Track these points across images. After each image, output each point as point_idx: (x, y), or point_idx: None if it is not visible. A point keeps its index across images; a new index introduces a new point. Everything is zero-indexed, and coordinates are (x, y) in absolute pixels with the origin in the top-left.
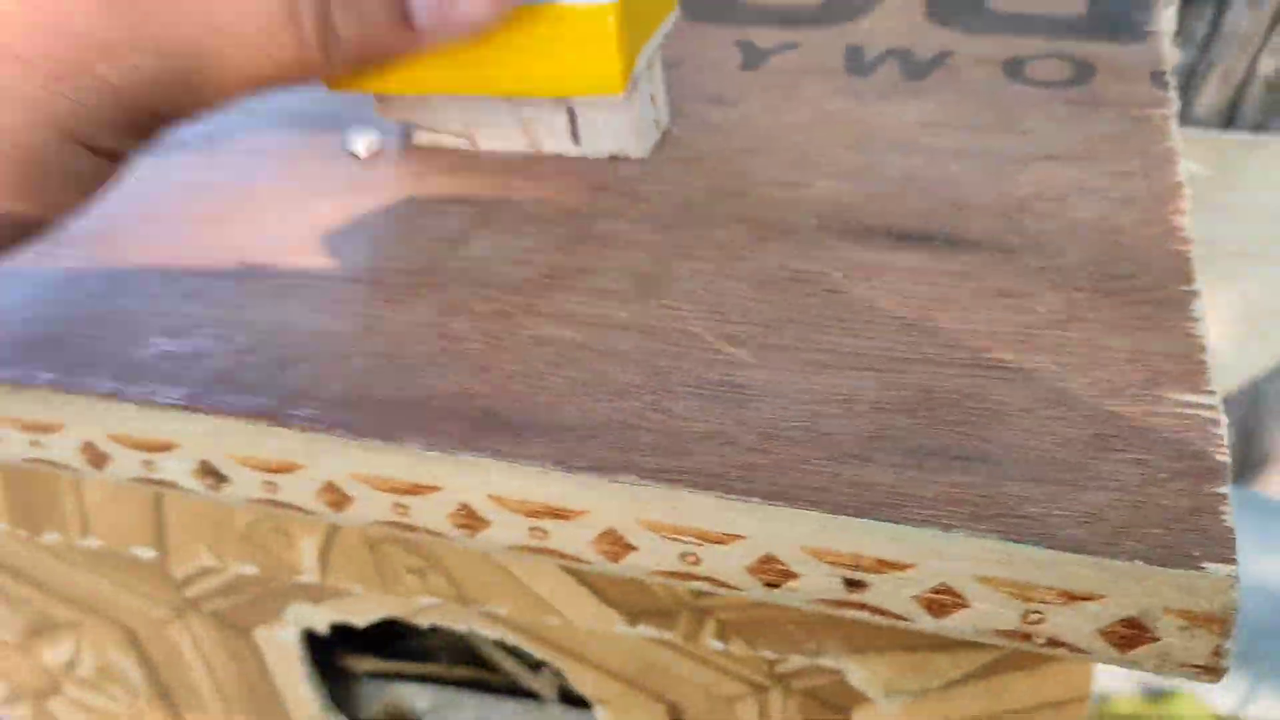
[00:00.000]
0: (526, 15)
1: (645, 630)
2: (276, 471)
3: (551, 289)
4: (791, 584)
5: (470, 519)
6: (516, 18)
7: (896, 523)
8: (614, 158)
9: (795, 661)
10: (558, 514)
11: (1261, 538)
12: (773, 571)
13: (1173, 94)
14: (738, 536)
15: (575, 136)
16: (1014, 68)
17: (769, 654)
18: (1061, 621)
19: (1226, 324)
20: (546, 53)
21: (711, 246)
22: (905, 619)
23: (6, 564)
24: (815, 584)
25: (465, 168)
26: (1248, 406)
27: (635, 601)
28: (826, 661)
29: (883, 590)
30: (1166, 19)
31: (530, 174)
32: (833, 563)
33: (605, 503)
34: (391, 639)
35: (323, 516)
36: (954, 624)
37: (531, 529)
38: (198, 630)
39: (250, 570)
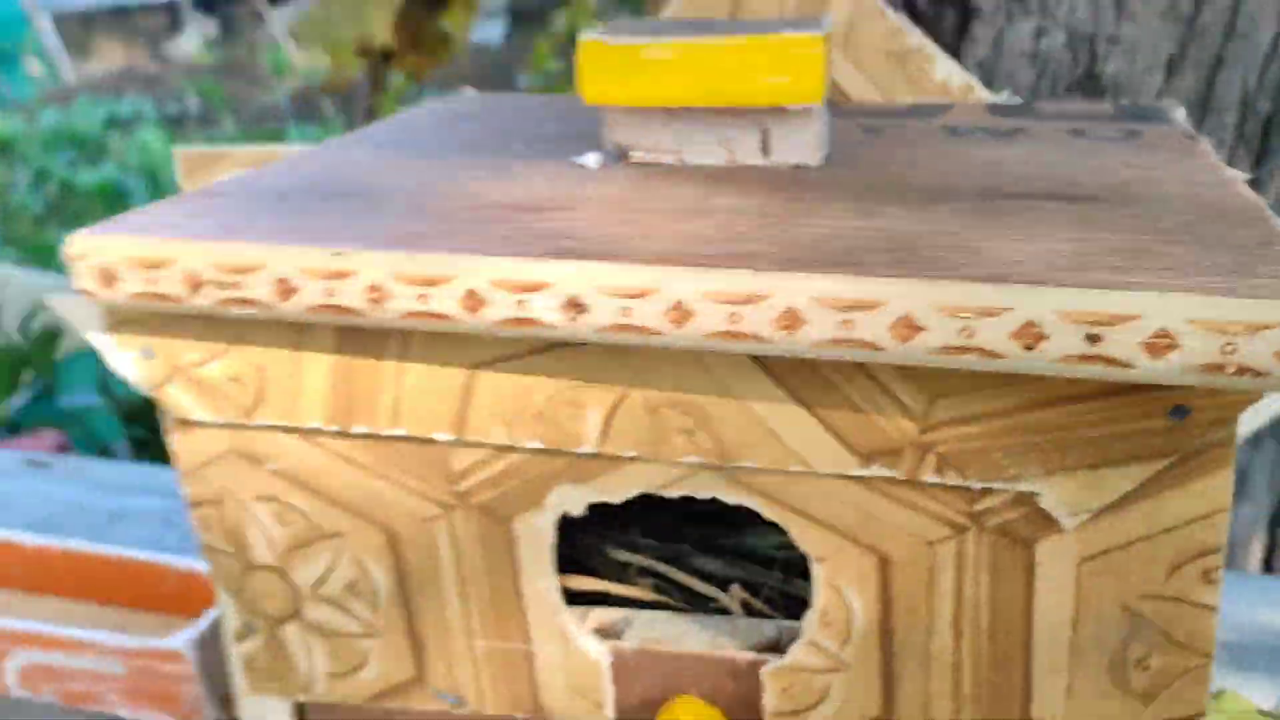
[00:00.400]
0: (761, 43)
1: (877, 470)
2: (633, 297)
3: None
4: (1044, 345)
5: (792, 320)
6: (755, 45)
7: (1126, 289)
8: (796, 167)
9: (992, 499)
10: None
11: None
12: (1030, 335)
13: (1206, 143)
14: (1006, 309)
15: (766, 150)
16: (1078, 132)
17: (976, 484)
18: (1248, 350)
19: None
20: (775, 69)
21: (900, 205)
22: (1130, 365)
23: (290, 474)
24: (1061, 344)
25: (679, 174)
26: None
27: (869, 441)
28: (1024, 486)
29: (1114, 340)
30: (1180, 117)
31: (732, 179)
32: (1077, 321)
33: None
34: (590, 570)
35: (667, 335)
36: (1165, 366)
37: (842, 321)
38: (459, 526)
39: (535, 445)
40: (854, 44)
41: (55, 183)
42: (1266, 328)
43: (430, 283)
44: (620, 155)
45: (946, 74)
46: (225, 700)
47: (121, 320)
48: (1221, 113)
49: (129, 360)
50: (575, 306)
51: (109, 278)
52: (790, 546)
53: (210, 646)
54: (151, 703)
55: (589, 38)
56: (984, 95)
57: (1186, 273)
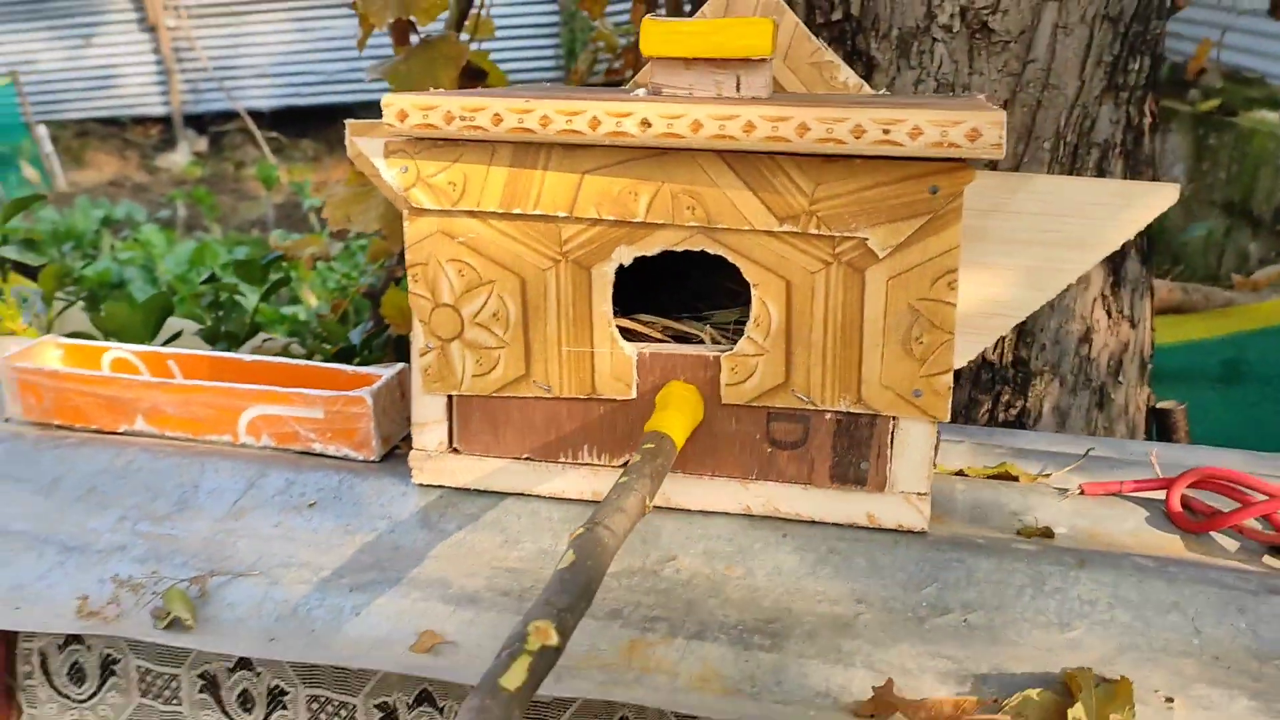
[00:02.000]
0: (738, 23)
1: (787, 228)
2: (674, 119)
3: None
4: (864, 135)
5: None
6: (735, 24)
7: (905, 108)
8: (754, 96)
9: (845, 244)
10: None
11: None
12: (857, 130)
13: (980, 95)
14: (845, 118)
15: (739, 88)
16: (920, 95)
17: (837, 234)
18: (954, 134)
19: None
20: (746, 39)
21: (806, 104)
22: (901, 144)
23: (470, 243)
24: (872, 134)
25: (690, 100)
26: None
27: (783, 210)
28: (861, 234)
29: (895, 132)
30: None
31: (719, 101)
32: (878, 122)
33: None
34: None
35: (688, 139)
36: (918, 144)
37: (772, 126)
38: (562, 273)
39: (610, 219)
40: (790, 57)
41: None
42: (958, 124)
43: (574, 113)
44: (656, 91)
45: (846, 77)
46: (385, 438)
47: (392, 150)
48: (1042, 140)
49: (394, 174)
50: (644, 124)
51: (403, 116)
52: (740, 319)
53: (380, 398)
54: (339, 437)
55: (649, 19)
56: (869, 90)
57: (929, 108)
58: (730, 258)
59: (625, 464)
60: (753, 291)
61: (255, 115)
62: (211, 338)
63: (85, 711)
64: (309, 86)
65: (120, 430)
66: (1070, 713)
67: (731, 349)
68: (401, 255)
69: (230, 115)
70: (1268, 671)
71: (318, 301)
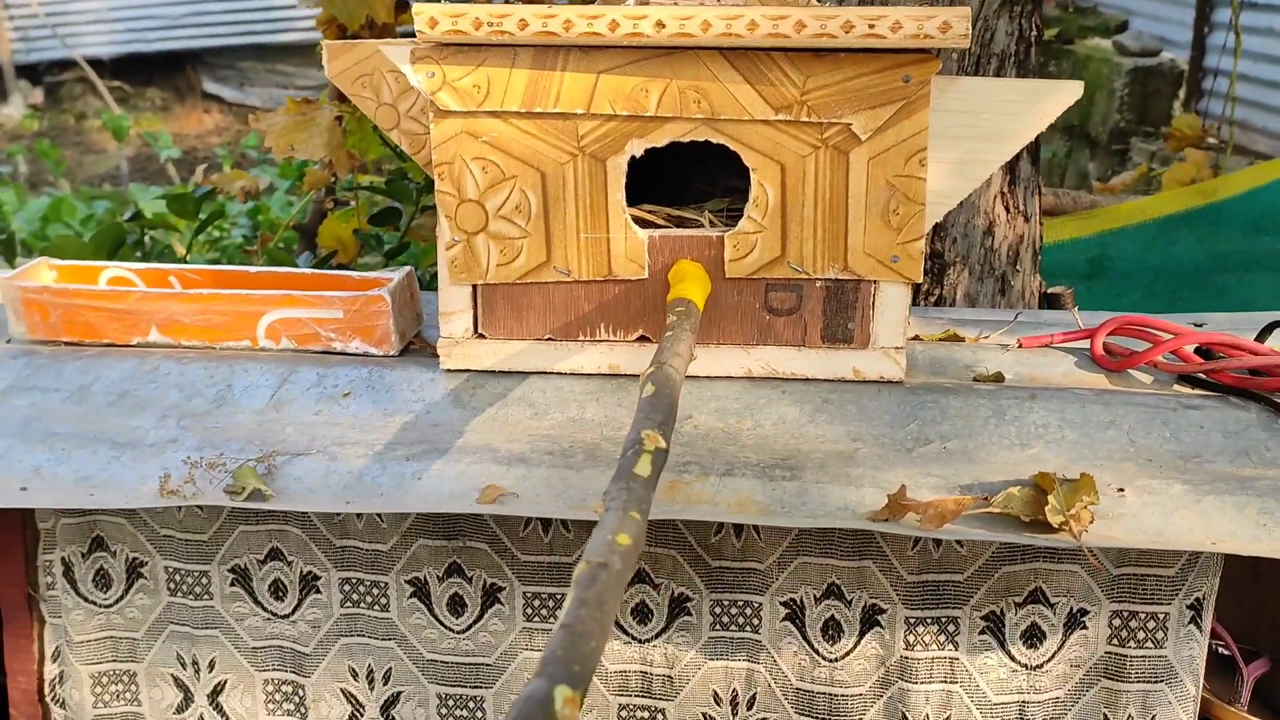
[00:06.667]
0: None
1: (781, 116)
2: (686, 19)
3: None
4: (853, 30)
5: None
6: None
7: (884, 6)
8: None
9: (831, 130)
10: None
11: None
12: (846, 25)
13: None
14: (837, 16)
15: None
16: None
17: (825, 121)
18: (928, 26)
19: None
20: None
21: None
22: (884, 36)
23: (493, 142)
24: (859, 28)
25: None
26: None
27: (777, 100)
28: (845, 120)
29: (879, 26)
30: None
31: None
32: (864, 18)
33: None
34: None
35: (699, 37)
36: (898, 36)
37: (774, 24)
38: (579, 166)
39: (624, 114)
40: None
41: None
42: (931, 18)
43: (594, 17)
44: None
45: None
46: (401, 334)
47: (419, 56)
48: (949, 50)
49: (421, 78)
50: (659, 25)
51: (433, 22)
52: (728, 207)
53: (398, 295)
54: (359, 334)
55: None
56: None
57: (908, 8)
58: (732, 145)
59: (639, 338)
60: (752, 175)
61: (95, 64)
62: None
63: (113, 615)
64: (152, 32)
65: (134, 343)
66: (1050, 499)
67: (732, 229)
68: (331, 188)
69: (67, 64)
70: (1191, 467)
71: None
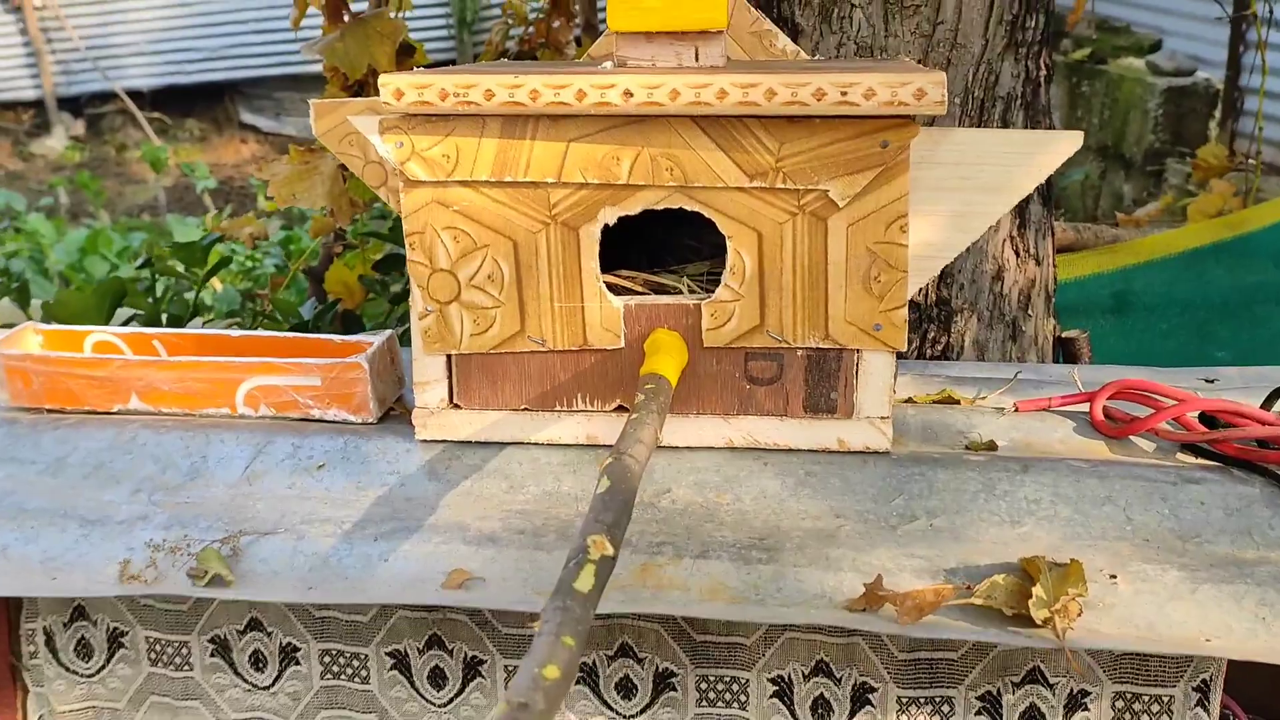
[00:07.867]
0: None
1: (756, 184)
2: (654, 89)
3: None
4: (824, 97)
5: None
6: (693, 0)
7: (857, 72)
8: (713, 65)
9: (808, 196)
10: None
11: None
12: (818, 94)
13: (907, 58)
14: (807, 83)
15: (698, 59)
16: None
17: (802, 188)
18: (902, 93)
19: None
20: (703, 12)
21: (758, 70)
22: (857, 104)
23: (464, 211)
24: (831, 96)
25: (656, 70)
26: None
27: (752, 168)
28: (823, 186)
29: (852, 94)
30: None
31: (680, 71)
32: (837, 85)
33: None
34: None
35: (668, 107)
36: (872, 104)
37: (744, 92)
38: (551, 235)
39: (595, 182)
40: (733, 27)
41: None
42: (905, 85)
43: (561, 87)
44: (622, 63)
45: (784, 45)
46: (380, 400)
47: (387, 126)
48: (953, 96)
49: (390, 148)
50: (627, 94)
51: (399, 94)
52: (709, 271)
53: (376, 361)
54: (337, 402)
55: None
56: (805, 56)
57: (872, 71)
58: (706, 213)
59: (617, 408)
60: (728, 243)
61: (134, 95)
62: (151, 323)
63: (95, 685)
64: (191, 64)
65: (114, 410)
66: (1034, 591)
67: (710, 297)
68: (341, 233)
69: (108, 96)
70: (1190, 548)
71: (222, 286)
